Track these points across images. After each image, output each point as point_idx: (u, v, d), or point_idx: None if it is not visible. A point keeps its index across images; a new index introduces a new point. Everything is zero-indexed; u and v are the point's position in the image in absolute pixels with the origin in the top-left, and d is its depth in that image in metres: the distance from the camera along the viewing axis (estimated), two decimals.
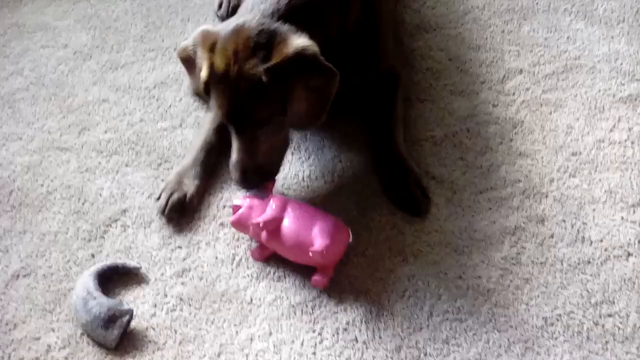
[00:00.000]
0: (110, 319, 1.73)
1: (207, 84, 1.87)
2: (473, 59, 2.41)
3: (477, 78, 2.34)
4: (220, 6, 2.53)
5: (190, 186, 2.02)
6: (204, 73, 1.86)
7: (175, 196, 2.00)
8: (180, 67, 2.35)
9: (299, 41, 1.81)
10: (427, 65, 2.37)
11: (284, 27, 1.84)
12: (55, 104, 2.30)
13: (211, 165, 2.08)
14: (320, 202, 2.01)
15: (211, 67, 1.85)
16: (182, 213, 1.99)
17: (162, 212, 1.99)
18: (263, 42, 1.82)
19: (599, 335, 1.76)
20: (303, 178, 2.08)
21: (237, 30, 1.85)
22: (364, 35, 2.07)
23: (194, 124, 2.21)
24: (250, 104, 1.84)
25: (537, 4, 2.58)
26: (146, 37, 2.49)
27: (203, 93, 1.91)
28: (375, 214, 1.99)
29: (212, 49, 1.86)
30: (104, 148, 2.17)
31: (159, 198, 2.01)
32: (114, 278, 1.86)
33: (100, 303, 1.76)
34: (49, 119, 2.25)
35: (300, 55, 1.80)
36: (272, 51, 1.81)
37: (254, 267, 1.89)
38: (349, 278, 1.87)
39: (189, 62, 1.97)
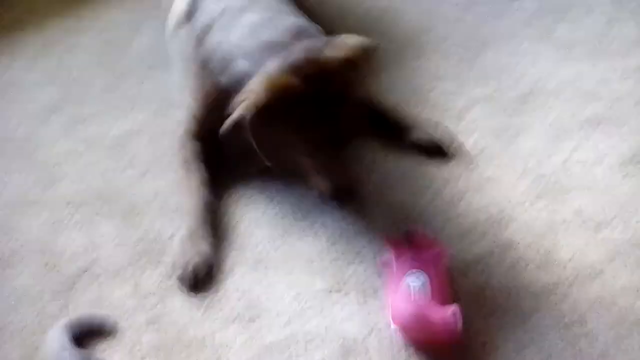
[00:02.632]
0: None
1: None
2: (436, 88, 2.43)
3: (440, 107, 2.37)
4: None
5: (204, 248, 1.98)
6: (303, 107, 1.87)
7: (195, 263, 1.94)
8: (145, 117, 2.38)
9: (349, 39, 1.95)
10: (390, 98, 2.39)
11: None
12: (23, 158, 2.31)
13: (216, 222, 2.07)
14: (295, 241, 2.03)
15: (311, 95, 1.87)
16: (207, 279, 1.95)
17: (187, 282, 1.93)
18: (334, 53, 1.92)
19: (573, 356, 1.76)
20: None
21: (305, 55, 1.91)
22: None
23: (159, 171, 2.22)
24: (349, 117, 1.93)
25: (496, 30, 2.62)
26: (112, 87, 2.52)
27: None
28: (346, 250, 2.01)
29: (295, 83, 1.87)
30: (72, 200, 2.17)
31: (177, 268, 1.95)
32: (86, 329, 1.85)
33: (73, 356, 1.76)
34: (17, 173, 2.26)
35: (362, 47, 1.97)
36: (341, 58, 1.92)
37: (225, 310, 1.88)
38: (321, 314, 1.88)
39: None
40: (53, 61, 2.64)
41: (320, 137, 1.92)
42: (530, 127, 2.30)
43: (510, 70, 2.49)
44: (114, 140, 2.34)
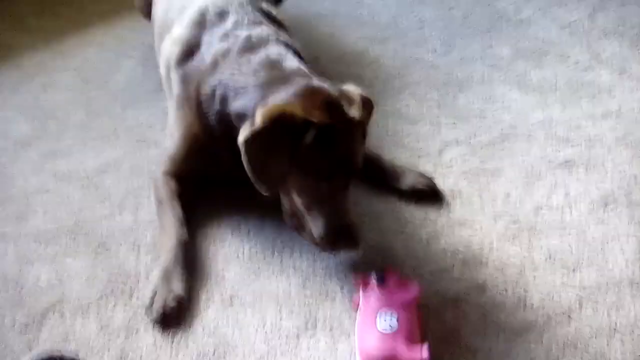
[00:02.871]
0: None
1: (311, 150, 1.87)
2: (411, 132, 2.44)
3: (415, 151, 2.37)
4: None
5: (179, 288, 1.95)
6: (310, 137, 1.86)
7: (170, 302, 1.91)
8: (118, 153, 2.37)
9: (350, 86, 2.02)
10: (366, 141, 2.39)
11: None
12: None
13: (190, 259, 2.04)
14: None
15: (319, 125, 1.86)
16: (180, 316, 1.92)
17: (161, 322, 1.90)
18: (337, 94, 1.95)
19: None
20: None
21: (314, 89, 1.93)
22: None
23: (132, 209, 2.20)
24: (357, 152, 1.94)
25: (472, 76, 2.64)
26: (87, 124, 2.50)
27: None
28: (317, 290, 1.99)
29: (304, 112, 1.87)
30: (43, 237, 2.14)
31: (150, 309, 1.92)
32: None
33: None
34: None
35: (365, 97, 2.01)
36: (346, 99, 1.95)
37: (194, 349, 1.85)
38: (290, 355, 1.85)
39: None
40: (28, 97, 2.62)
41: (323, 173, 1.90)
42: (504, 171, 2.31)
43: (484, 115, 2.50)
44: (86, 176, 2.32)
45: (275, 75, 2.00)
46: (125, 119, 2.51)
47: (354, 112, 1.94)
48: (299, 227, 2.00)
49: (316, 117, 1.86)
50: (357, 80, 2.61)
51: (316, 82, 1.97)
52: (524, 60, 2.70)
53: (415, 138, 2.43)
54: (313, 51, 2.74)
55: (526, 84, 2.61)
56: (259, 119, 1.87)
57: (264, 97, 1.96)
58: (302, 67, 2.05)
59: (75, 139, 2.45)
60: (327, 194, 1.92)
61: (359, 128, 1.96)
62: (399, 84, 2.62)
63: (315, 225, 1.94)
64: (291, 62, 2.05)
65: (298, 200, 1.95)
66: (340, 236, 1.93)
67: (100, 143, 2.43)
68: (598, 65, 2.67)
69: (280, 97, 1.92)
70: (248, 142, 1.88)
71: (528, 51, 2.74)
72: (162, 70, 2.33)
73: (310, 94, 1.91)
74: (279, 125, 1.86)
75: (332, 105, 1.91)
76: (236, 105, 2.02)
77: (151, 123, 2.47)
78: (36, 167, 2.36)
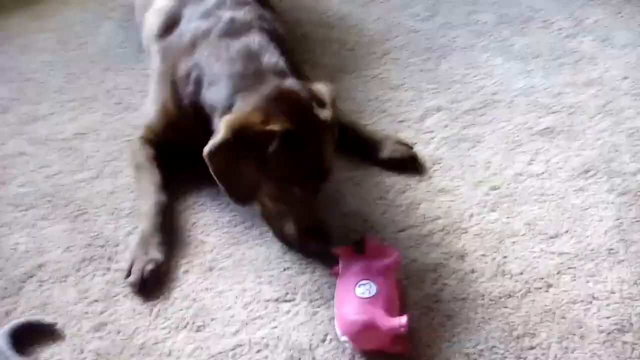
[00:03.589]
0: None
1: (278, 155, 1.84)
2: (393, 98, 2.43)
3: (397, 117, 2.37)
4: None
5: (158, 253, 1.95)
6: (274, 146, 1.83)
7: (148, 268, 1.91)
8: (97, 117, 2.35)
9: (321, 86, 1.96)
10: (347, 107, 2.39)
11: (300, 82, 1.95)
12: None
13: (169, 226, 2.04)
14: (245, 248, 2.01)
15: (282, 133, 1.83)
16: (158, 283, 1.92)
17: (139, 288, 1.90)
18: (311, 95, 1.92)
19: None
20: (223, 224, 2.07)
21: (284, 92, 1.89)
22: None
23: (111, 174, 2.18)
24: (328, 155, 1.92)
25: (454, 41, 2.63)
26: (65, 88, 2.48)
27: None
28: (297, 259, 1.99)
29: (266, 121, 1.84)
30: (21, 202, 2.12)
31: (128, 275, 1.92)
32: (29, 336, 1.81)
33: None
34: None
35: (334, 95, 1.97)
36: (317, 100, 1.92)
37: (173, 318, 1.85)
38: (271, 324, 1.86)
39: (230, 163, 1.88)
40: (5, 60, 2.59)
41: (294, 179, 1.89)
42: (485, 138, 2.31)
43: (466, 82, 2.49)
44: (65, 141, 2.30)
45: (251, 70, 1.97)
46: (104, 81, 2.48)
47: (325, 114, 1.91)
48: (275, 230, 2.00)
49: (280, 124, 1.83)
50: (339, 43, 2.62)
51: (288, 83, 1.93)
52: (507, 26, 2.69)
53: (396, 104, 2.42)
54: (296, 14, 2.72)
55: (509, 50, 2.60)
56: (221, 131, 1.85)
57: (234, 93, 1.93)
58: (281, 62, 2.00)
59: (53, 102, 2.43)
60: (299, 198, 1.91)
61: (329, 130, 1.93)
62: (381, 49, 2.60)
63: (289, 229, 1.95)
64: (270, 55, 2.01)
65: (270, 204, 1.95)
66: (312, 236, 1.94)
67: (78, 107, 2.40)
68: (581, 32, 2.66)
69: (247, 103, 1.89)
70: (211, 154, 1.86)
71: (511, 17, 2.73)
72: (144, 42, 2.31)
73: (278, 98, 1.88)
74: (242, 137, 1.84)
75: (301, 109, 1.88)
76: (208, 95, 1.99)
77: (130, 86, 2.45)
78: (14, 131, 2.34)
